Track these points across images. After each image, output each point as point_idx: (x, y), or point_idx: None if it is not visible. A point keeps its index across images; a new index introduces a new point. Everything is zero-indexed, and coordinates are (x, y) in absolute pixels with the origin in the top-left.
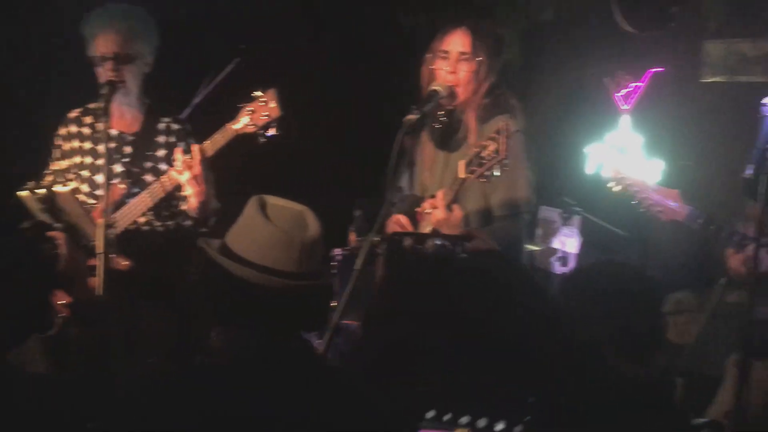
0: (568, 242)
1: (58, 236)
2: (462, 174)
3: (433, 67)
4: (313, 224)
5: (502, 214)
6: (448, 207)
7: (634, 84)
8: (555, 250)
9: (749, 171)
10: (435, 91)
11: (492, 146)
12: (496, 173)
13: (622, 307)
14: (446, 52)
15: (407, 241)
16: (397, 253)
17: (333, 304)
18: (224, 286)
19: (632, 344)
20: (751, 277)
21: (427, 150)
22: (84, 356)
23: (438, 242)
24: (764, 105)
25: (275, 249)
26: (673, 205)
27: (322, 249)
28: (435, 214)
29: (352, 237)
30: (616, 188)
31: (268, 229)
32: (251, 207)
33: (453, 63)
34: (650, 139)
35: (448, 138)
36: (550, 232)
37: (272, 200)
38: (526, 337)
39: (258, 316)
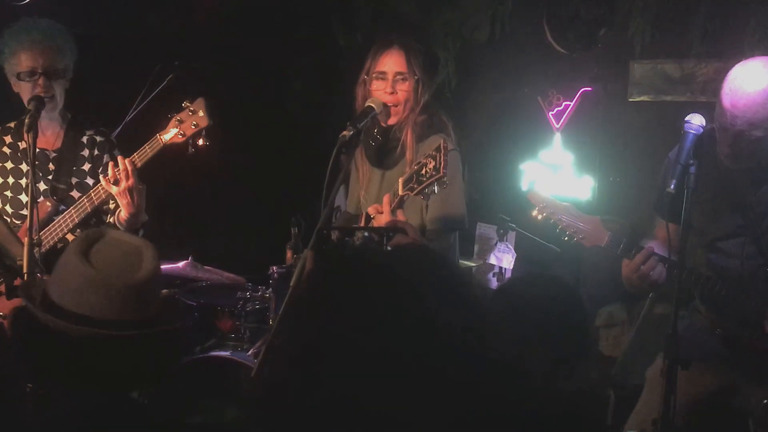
0: (504, 258)
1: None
2: (401, 191)
3: (370, 88)
4: (146, 264)
5: (434, 228)
6: (393, 212)
7: (565, 103)
8: (492, 266)
9: (672, 186)
10: (370, 107)
11: (431, 164)
12: (436, 190)
13: (551, 318)
14: (383, 72)
15: (334, 234)
16: (323, 246)
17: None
18: (38, 342)
19: (560, 355)
20: (645, 287)
21: (362, 167)
22: None
23: (366, 234)
24: (687, 122)
25: (91, 294)
26: (594, 231)
27: (156, 292)
28: (379, 218)
29: (289, 254)
30: (539, 216)
31: (81, 270)
32: (71, 246)
33: (390, 84)
34: (580, 157)
35: (384, 156)
36: (487, 248)
37: (110, 235)
38: (448, 345)
39: (78, 376)
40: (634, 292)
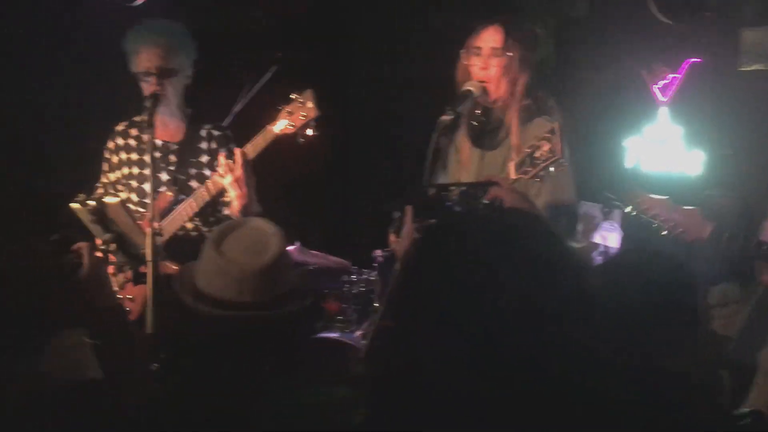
0: (609, 237)
1: (82, 247)
2: (513, 175)
3: (466, 63)
4: (272, 249)
5: (547, 214)
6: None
7: (671, 75)
8: (596, 246)
9: None
10: (469, 90)
11: (546, 146)
12: (551, 172)
13: (660, 295)
14: (479, 48)
15: (431, 191)
16: (424, 205)
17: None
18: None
19: (669, 335)
20: None
21: (463, 149)
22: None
23: (463, 188)
24: None
25: (220, 279)
26: (695, 224)
27: (283, 274)
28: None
29: (392, 238)
30: (633, 212)
31: (213, 259)
32: (208, 236)
33: (485, 59)
34: (689, 130)
35: (486, 137)
36: (591, 228)
37: (246, 224)
38: (558, 317)
39: (215, 355)
40: None
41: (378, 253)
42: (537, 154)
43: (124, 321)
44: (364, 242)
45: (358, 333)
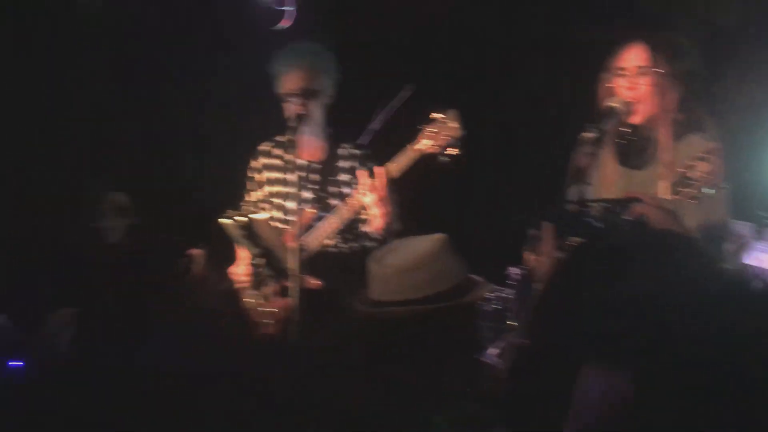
0: (764, 259)
1: (195, 254)
2: (667, 195)
3: (610, 85)
4: (422, 249)
5: (700, 237)
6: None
7: None
8: (749, 267)
9: None
10: (612, 107)
11: (704, 167)
12: (709, 194)
13: None
14: (623, 68)
15: (572, 208)
16: (564, 223)
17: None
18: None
19: None
20: None
21: (607, 167)
22: None
23: (604, 205)
24: None
25: (380, 284)
26: None
27: (418, 275)
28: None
29: (529, 256)
30: None
31: (371, 269)
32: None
33: (631, 79)
34: None
35: (633, 155)
36: (742, 249)
37: (407, 239)
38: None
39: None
40: None
41: (514, 270)
42: (693, 174)
43: (223, 325)
44: (497, 259)
45: (494, 351)
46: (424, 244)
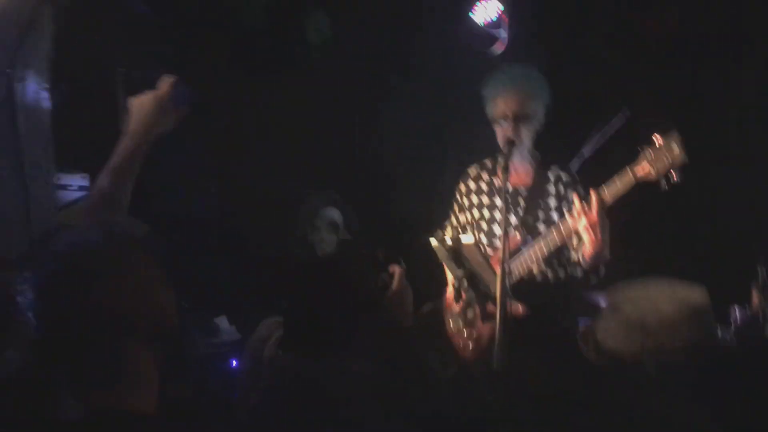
0: None
1: (396, 271)
2: None
3: None
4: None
5: None
6: None
7: None
8: None
9: None
10: None
11: None
12: None
13: None
14: None
15: None
16: None
17: None
18: None
19: None
20: None
21: None
22: None
23: None
24: None
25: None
26: None
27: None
28: None
29: (755, 296)
30: None
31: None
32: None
33: None
34: None
35: None
36: None
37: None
38: None
39: None
40: None
41: (736, 309)
42: None
43: (413, 345)
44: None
45: None
46: (666, 296)
